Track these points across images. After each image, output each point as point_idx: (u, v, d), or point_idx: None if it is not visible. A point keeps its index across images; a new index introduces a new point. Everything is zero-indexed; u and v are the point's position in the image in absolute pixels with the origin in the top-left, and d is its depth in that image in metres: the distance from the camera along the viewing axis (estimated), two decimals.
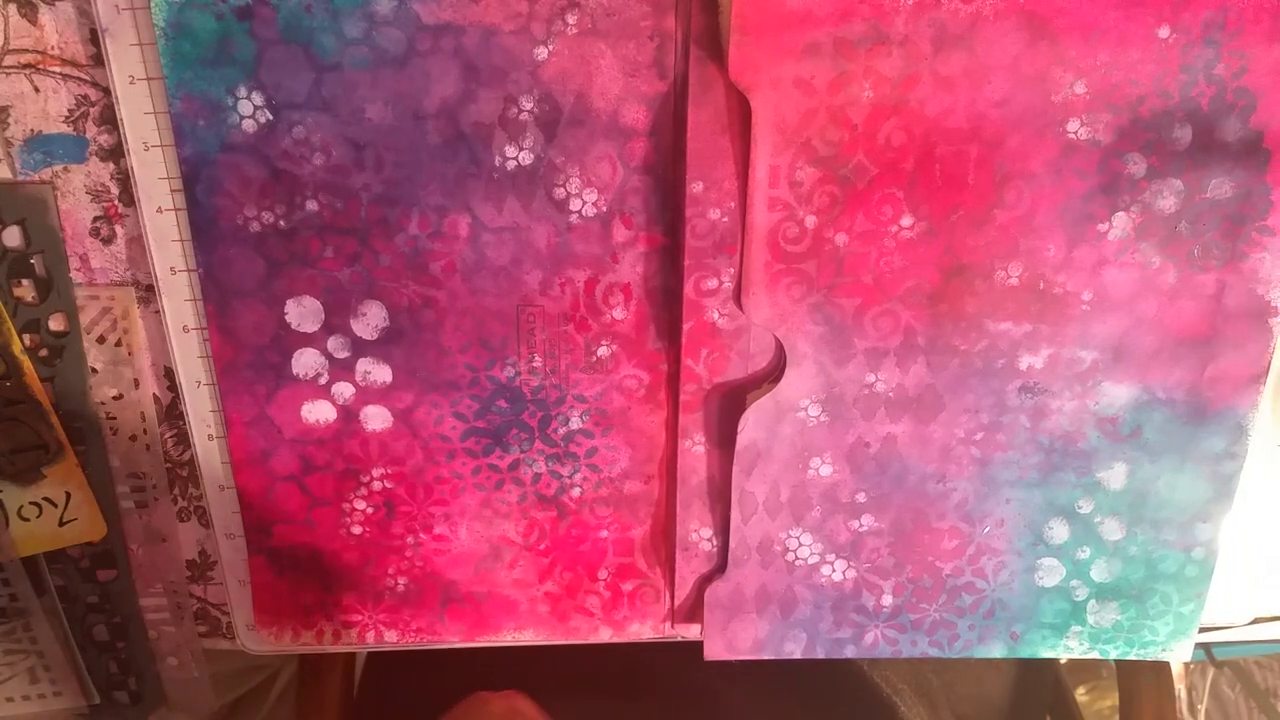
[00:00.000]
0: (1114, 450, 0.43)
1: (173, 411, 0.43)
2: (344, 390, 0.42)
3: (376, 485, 0.44)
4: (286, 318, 0.40)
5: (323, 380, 0.42)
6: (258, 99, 0.37)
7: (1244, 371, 0.42)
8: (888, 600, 0.46)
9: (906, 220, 0.39)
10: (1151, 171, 0.39)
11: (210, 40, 0.36)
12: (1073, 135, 0.38)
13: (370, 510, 0.44)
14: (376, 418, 0.42)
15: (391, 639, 0.47)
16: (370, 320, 0.41)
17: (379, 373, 0.42)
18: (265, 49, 0.36)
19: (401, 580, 0.46)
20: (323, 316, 0.41)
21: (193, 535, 0.46)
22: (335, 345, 0.41)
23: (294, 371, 0.41)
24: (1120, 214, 0.39)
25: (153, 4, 0.35)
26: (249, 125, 0.37)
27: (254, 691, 0.73)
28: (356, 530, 0.44)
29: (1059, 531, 0.45)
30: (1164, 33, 0.36)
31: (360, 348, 0.41)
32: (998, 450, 0.43)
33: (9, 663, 0.46)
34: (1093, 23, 0.36)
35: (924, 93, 0.37)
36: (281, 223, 0.39)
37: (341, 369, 0.41)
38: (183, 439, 0.44)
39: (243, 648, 0.47)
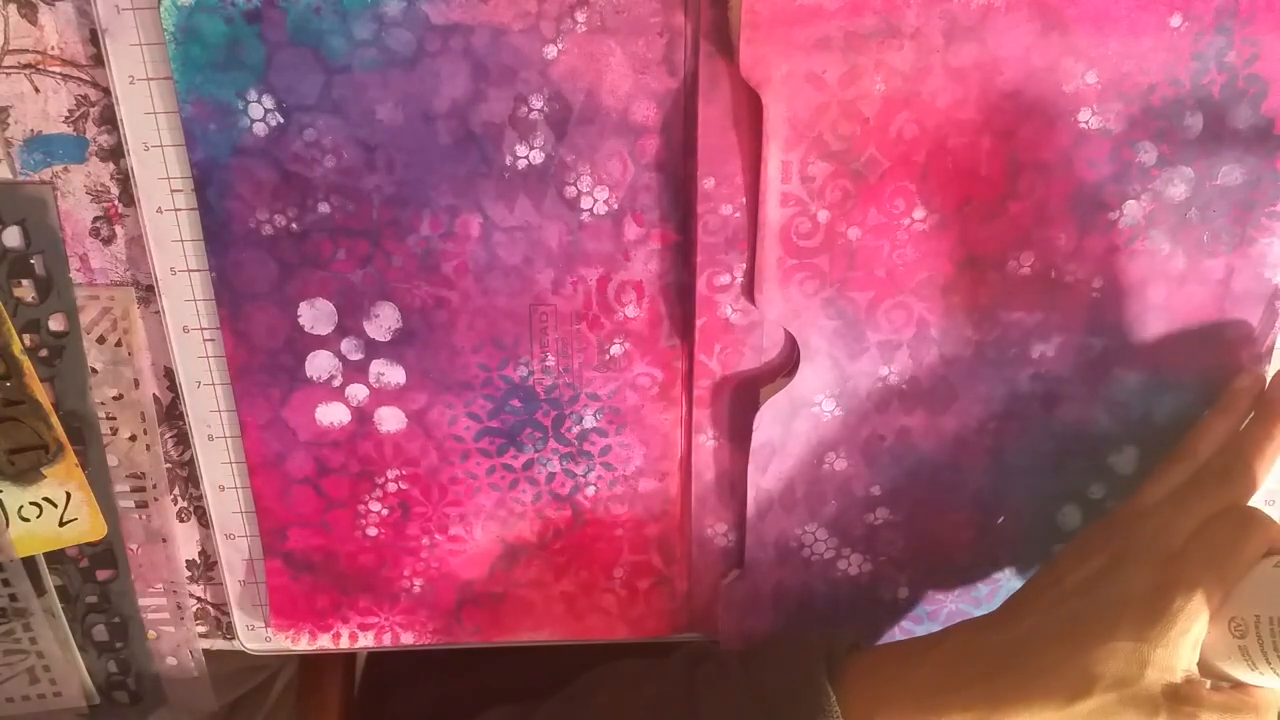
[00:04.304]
0: (1125, 434, 0.44)
1: (173, 411, 0.43)
2: (358, 392, 0.42)
3: (391, 487, 0.44)
4: (300, 320, 0.40)
5: (336, 382, 0.42)
6: (268, 102, 0.37)
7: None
8: (904, 592, 0.46)
9: (919, 213, 0.39)
10: (1162, 159, 0.39)
11: (220, 44, 0.36)
12: (1084, 125, 0.38)
13: (385, 512, 0.44)
14: (390, 419, 0.42)
15: (408, 640, 0.47)
16: (383, 322, 0.41)
17: (392, 374, 0.42)
18: (275, 52, 0.36)
19: (417, 581, 0.46)
20: (336, 318, 0.40)
21: (193, 535, 0.46)
22: (349, 347, 0.41)
23: (308, 374, 0.41)
24: (1131, 202, 0.39)
25: (162, 8, 0.35)
26: (260, 128, 0.37)
27: (254, 691, 0.72)
28: (372, 532, 0.44)
29: (1072, 517, 0.45)
30: (1176, 21, 0.36)
31: (373, 349, 0.41)
32: (1011, 439, 0.43)
33: (9, 663, 0.46)
34: (1104, 12, 0.36)
35: (935, 85, 0.37)
36: (294, 225, 0.39)
37: (355, 371, 0.41)
38: (183, 439, 0.43)
39: (243, 648, 0.47)
